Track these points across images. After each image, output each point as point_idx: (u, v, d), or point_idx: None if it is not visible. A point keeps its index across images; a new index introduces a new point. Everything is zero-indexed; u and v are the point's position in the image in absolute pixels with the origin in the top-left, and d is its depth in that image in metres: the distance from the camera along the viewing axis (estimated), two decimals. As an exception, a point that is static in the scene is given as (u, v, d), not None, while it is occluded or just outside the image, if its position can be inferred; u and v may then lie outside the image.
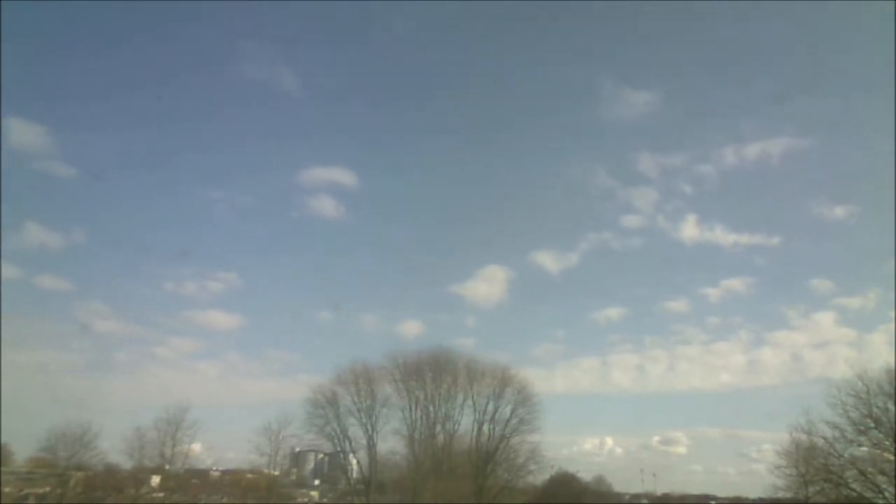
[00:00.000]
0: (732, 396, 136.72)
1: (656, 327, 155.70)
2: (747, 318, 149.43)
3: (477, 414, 66.92)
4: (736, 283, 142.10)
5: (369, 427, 63.57)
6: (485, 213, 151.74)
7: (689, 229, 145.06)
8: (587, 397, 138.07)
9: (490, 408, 66.87)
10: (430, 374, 66.85)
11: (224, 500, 71.55)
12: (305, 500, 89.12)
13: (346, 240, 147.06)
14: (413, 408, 65.64)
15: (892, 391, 43.57)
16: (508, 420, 66.67)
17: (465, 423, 67.11)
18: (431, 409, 66.16)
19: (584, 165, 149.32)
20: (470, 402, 67.08)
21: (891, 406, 43.33)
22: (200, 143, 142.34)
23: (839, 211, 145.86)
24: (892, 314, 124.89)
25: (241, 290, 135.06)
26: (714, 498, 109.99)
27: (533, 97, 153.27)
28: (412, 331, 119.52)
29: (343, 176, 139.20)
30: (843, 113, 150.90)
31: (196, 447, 60.90)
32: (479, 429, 66.87)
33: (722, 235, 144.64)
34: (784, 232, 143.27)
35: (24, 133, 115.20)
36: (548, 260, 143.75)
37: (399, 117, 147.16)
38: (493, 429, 66.76)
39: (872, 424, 43.85)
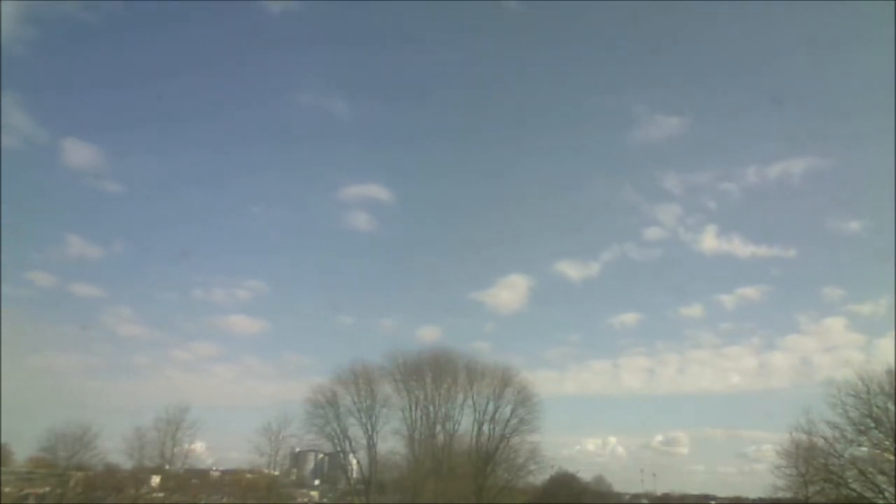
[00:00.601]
0: (741, 398, 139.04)
1: (669, 332, 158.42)
2: (760, 324, 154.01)
3: (477, 414, 67.00)
4: (750, 291, 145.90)
5: (369, 427, 63.65)
6: (511, 226, 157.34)
7: (709, 240, 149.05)
8: (596, 399, 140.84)
9: (490, 408, 66.95)
10: (430, 374, 66.89)
11: (224, 500, 71.52)
12: (305, 500, 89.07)
13: (376, 251, 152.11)
14: (413, 408, 65.73)
15: (893, 391, 43.56)
16: (508, 420, 66.71)
17: (465, 423, 67.22)
18: (431, 409, 66.22)
19: (611, 182, 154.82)
20: (470, 402, 67.15)
21: (891, 406, 43.32)
22: (247, 165, 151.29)
23: (854, 225, 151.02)
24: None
25: (267, 297, 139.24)
26: (714, 498, 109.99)
27: (570, 119, 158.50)
28: (430, 336, 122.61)
29: (378, 192, 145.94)
30: (863, 133, 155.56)
31: (199, 446, 61.32)
32: (479, 429, 66.95)
33: (740, 246, 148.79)
34: (800, 244, 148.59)
35: (80, 152, 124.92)
36: (570, 269, 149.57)
37: (434, 138, 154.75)
38: (493, 429, 66.83)
39: (873, 424, 43.84)
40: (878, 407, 43.77)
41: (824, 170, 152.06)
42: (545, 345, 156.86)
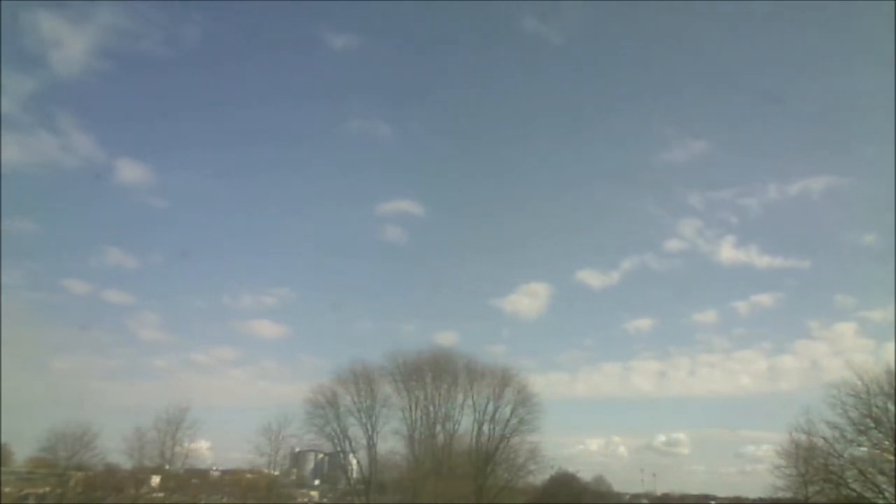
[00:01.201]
0: (750, 401, 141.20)
1: (682, 337, 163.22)
2: (772, 329, 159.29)
3: (477, 414, 67.00)
4: (764, 298, 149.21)
5: (369, 427, 63.65)
6: (536, 238, 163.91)
7: (727, 251, 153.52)
8: (605, 401, 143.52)
9: (490, 408, 66.94)
10: (430, 374, 66.89)
11: (224, 500, 71.52)
12: (305, 500, 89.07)
13: (405, 261, 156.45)
14: (413, 408, 65.70)
15: (892, 391, 43.54)
16: (508, 420, 66.71)
17: (465, 423, 67.22)
18: (431, 409, 66.21)
19: (637, 199, 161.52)
20: (470, 402, 67.15)
21: (891, 406, 43.31)
22: (293, 186, 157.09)
23: (868, 238, 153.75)
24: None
25: (292, 304, 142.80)
26: (714, 498, 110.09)
27: (601, 142, 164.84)
28: (447, 340, 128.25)
29: (412, 207, 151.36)
30: (882, 154, 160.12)
31: (203, 445, 61.45)
32: (479, 429, 66.96)
33: (757, 257, 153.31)
34: (815, 256, 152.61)
35: (132, 171, 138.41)
36: (591, 278, 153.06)
37: (467, 157, 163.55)
38: (493, 429, 66.83)
39: (872, 424, 43.83)
40: (877, 407, 43.77)
41: (842, 188, 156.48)
42: (559, 349, 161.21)
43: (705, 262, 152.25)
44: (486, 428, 66.74)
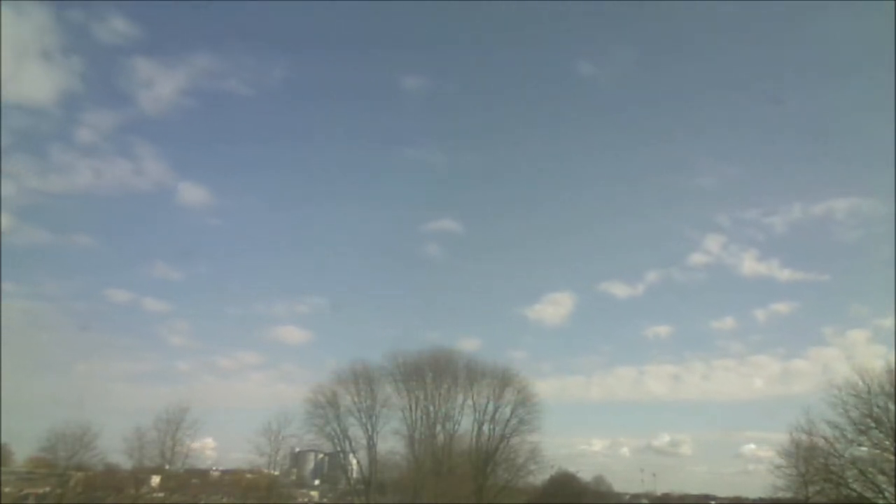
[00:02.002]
0: (762, 404, 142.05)
1: (699, 343, 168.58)
2: (787, 336, 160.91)
3: (477, 414, 67.00)
4: (782, 307, 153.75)
5: (369, 427, 63.64)
6: (568, 254, 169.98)
7: (749, 263, 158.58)
8: (618, 404, 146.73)
9: (490, 408, 66.96)
10: (430, 374, 66.86)
11: (224, 500, 71.50)
12: (305, 500, 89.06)
13: (440, 274, 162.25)
14: (413, 408, 65.67)
15: (893, 391, 43.50)
16: (508, 420, 66.73)
17: (465, 423, 67.24)
18: (431, 409, 66.19)
19: (668, 219, 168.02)
20: (470, 402, 67.15)
21: (891, 406, 43.25)
22: (345, 212, 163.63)
23: (886, 251, 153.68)
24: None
25: (322, 312, 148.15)
26: (714, 498, 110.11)
27: (639, 171, 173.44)
28: (470, 346, 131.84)
29: (451, 225, 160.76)
30: None
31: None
32: (479, 429, 66.98)
33: (777, 269, 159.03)
34: (834, 271, 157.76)
35: (193, 193, 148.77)
36: (617, 288, 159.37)
37: (505, 178, 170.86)
38: (493, 429, 66.85)
39: (873, 424, 43.77)
40: (878, 407, 43.72)
41: (866, 208, 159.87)
42: (578, 354, 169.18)
43: (728, 274, 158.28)
44: (486, 428, 66.87)
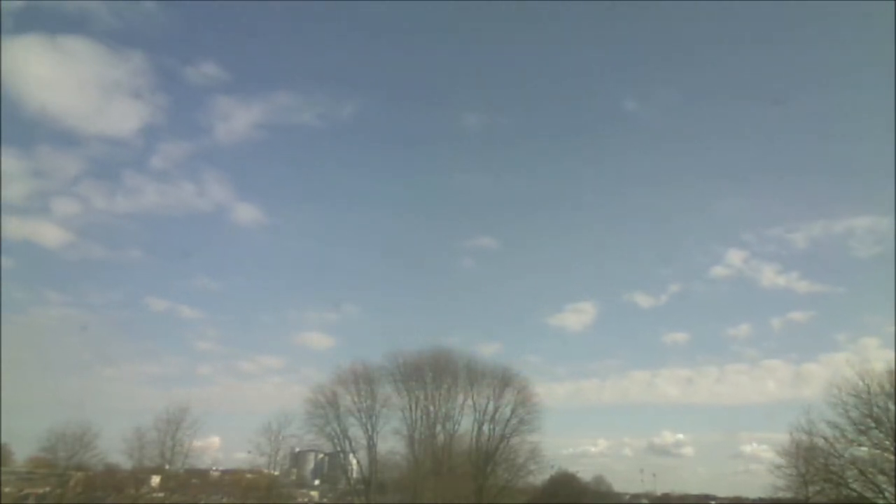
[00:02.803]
0: (772, 407, 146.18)
1: (715, 349, 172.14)
2: (801, 341, 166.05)
3: (477, 414, 67.00)
4: (798, 315, 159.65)
5: (369, 427, 63.61)
6: (595, 267, 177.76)
7: (769, 275, 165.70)
8: (629, 406, 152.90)
9: (490, 408, 66.95)
10: (431, 374, 66.82)
11: (224, 500, 71.49)
12: (305, 500, 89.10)
13: (472, 287, 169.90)
14: (413, 408, 65.64)
15: (893, 391, 43.50)
16: (508, 420, 66.74)
17: (465, 423, 67.22)
18: (431, 409, 66.17)
19: (694, 237, 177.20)
20: (470, 402, 67.13)
21: (891, 406, 43.25)
22: (392, 232, 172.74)
23: None
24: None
25: (351, 319, 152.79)
26: (714, 498, 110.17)
27: (670, 191, 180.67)
28: (490, 350, 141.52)
29: (489, 242, 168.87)
30: None
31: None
32: (479, 429, 66.97)
33: (795, 280, 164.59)
34: (851, 284, 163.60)
35: (246, 212, 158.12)
36: (638, 298, 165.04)
37: (541, 202, 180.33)
38: (493, 429, 66.85)
39: (873, 424, 43.76)
40: (878, 407, 43.71)
41: (882, 226, 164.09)
42: (594, 359, 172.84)
43: (747, 286, 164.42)
44: (486, 428, 66.88)
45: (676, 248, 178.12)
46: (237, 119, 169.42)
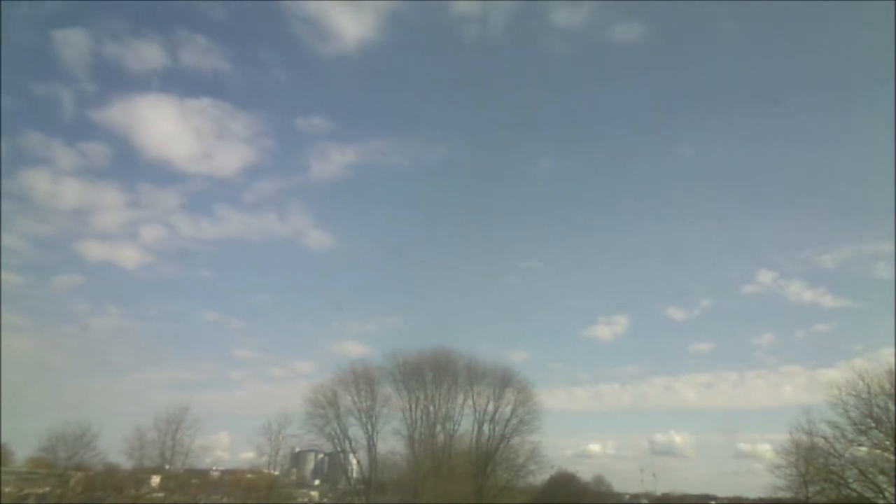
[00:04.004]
0: (785, 411, 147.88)
1: (737, 357, 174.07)
2: (821, 350, 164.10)
3: (477, 414, 67.08)
4: (822, 327, 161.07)
5: (369, 427, 63.68)
6: (633, 284, 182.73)
7: (796, 290, 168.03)
8: (647, 410, 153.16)
9: (490, 408, 67.03)
10: (431, 374, 66.91)
11: (224, 500, 71.53)
12: (305, 500, 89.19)
13: (514, 303, 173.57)
14: (413, 408, 65.72)
15: (893, 391, 43.46)
16: (508, 420, 66.80)
17: (465, 423, 67.31)
18: (431, 409, 66.21)
19: (732, 264, 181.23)
20: (470, 402, 67.22)
21: (891, 406, 43.16)
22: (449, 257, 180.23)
23: None
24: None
25: (392, 329, 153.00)
26: (714, 498, 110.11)
27: (716, 225, 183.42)
28: (517, 357, 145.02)
29: (537, 264, 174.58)
30: None
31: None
32: (479, 429, 67.05)
33: (821, 296, 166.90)
34: (874, 301, 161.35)
35: (318, 238, 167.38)
36: (672, 312, 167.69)
37: (599, 229, 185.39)
38: (493, 429, 66.92)
39: (873, 424, 43.67)
40: (878, 406, 43.61)
41: None
42: (616, 364, 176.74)
43: (775, 301, 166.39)
44: (486, 428, 66.95)
45: (711, 270, 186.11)
46: (332, 160, 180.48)
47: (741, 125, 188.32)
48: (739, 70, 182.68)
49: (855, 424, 44.59)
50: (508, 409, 66.82)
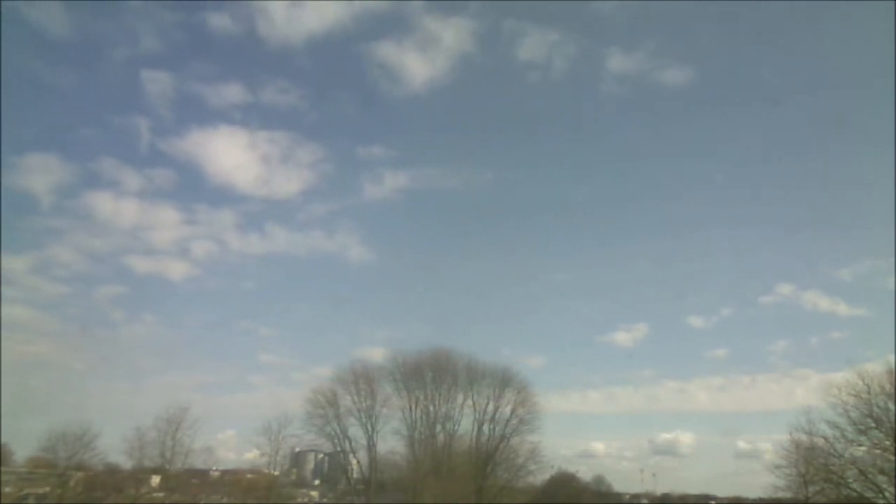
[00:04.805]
0: (795, 413, 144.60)
1: (751, 362, 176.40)
2: (834, 354, 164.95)
3: (477, 414, 67.13)
4: (837, 335, 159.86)
5: (369, 427, 63.72)
6: (655, 295, 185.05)
7: (812, 299, 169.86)
8: (659, 413, 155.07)
9: (490, 408, 67.12)
10: (430, 374, 66.93)
11: (224, 500, 71.49)
12: (305, 500, 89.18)
13: (543, 311, 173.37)
14: (413, 408, 65.76)
15: (893, 391, 43.47)
16: (508, 420, 66.90)
17: (465, 423, 67.36)
18: (431, 409, 66.25)
19: (753, 276, 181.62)
20: (470, 402, 67.27)
21: (891, 406, 43.19)
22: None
23: None
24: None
25: (418, 336, 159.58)
26: (714, 498, 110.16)
27: (734, 242, 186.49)
28: (534, 363, 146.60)
29: (563, 276, 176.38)
30: None
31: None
32: (479, 429, 67.11)
33: (836, 304, 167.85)
34: (886, 311, 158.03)
35: (360, 253, 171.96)
36: (692, 320, 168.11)
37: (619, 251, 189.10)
38: (493, 429, 67.02)
39: (873, 424, 43.70)
40: (878, 407, 43.62)
41: None
42: (630, 368, 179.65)
43: (793, 310, 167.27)
44: (486, 428, 67.03)
45: (732, 281, 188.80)
46: (385, 184, 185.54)
47: (771, 147, 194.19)
48: (767, 86, 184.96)
49: (855, 424, 44.63)
50: (508, 409, 67.03)
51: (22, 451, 68.96)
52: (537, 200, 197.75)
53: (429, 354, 68.29)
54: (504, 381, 67.55)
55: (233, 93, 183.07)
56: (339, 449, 66.20)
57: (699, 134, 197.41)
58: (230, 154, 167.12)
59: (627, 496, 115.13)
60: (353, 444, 63.99)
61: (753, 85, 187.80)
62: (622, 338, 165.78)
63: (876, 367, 45.71)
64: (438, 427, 66.33)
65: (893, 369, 44.22)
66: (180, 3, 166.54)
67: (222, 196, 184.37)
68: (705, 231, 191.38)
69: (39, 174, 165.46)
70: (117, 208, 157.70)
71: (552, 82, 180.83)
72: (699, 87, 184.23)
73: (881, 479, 43.46)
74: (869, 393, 44.16)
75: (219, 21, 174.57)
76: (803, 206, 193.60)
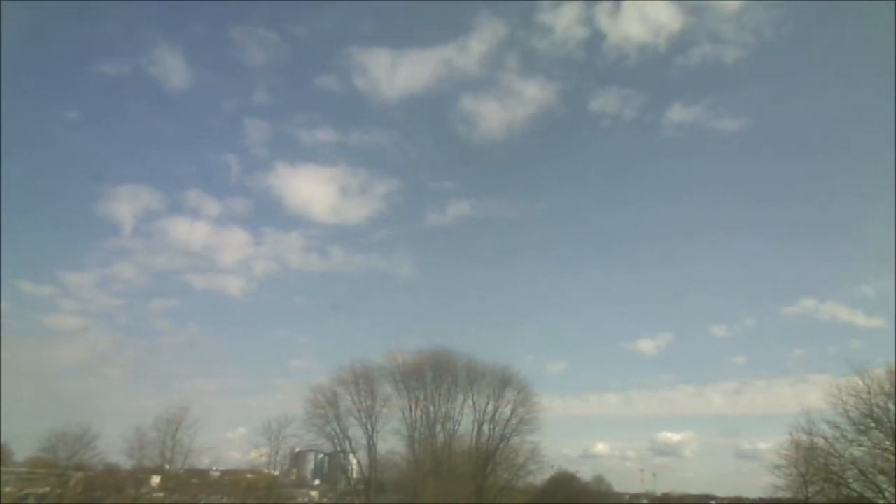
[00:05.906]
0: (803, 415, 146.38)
1: (769, 366, 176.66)
2: (850, 362, 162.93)
3: (477, 414, 67.09)
4: (856, 343, 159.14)
5: (369, 427, 63.72)
6: (681, 305, 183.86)
7: (833, 310, 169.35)
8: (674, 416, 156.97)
9: (490, 408, 67.08)
10: (431, 374, 66.93)
11: (224, 500, 71.53)
12: (305, 500, 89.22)
13: (570, 321, 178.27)
14: (413, 408, 65.75)
15: (893, 391, 43.44)
16: (508, 420, 66.85)
17: (465, 423, 67.33)
18: (431, 409, 66.24)
19: (774, 291, 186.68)
20: (470, 402, 67.24)
21: (891, 406, 43.10)
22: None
23: None
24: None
25: (448, 342, 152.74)
26: (714, 498, 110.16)
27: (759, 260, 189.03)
28: (556, 368, 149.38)
29: (598, 295, 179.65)
30: None
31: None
32: (479, 429, 67.08)
33: (855, 315, 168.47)
34: None
35: (407, 271, 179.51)
36: (716, 330, 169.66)
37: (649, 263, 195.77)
38: (493, 429, 66.97)
39: (873, 424, 43.62)
40: (878, 407, 43.53)
41: None
42: (649, 373, 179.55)
43: (813, 321, 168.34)
44: (486, 428, 66.99)
45: (758, 296, 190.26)
46: (448, 213, 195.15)
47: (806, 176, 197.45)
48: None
49: (855, 424, 44.53)
50: (508, 409, 66.97)
51: (22, 451, 68.98)
52: (579, 228, 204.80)
53: (428, 354, 68.43)
54: (504, 381, 67.59)
55: (325, 135, 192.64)
56: (339, 449, 66.28)
57: (744, 174, 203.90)
58: (310, 186, 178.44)
59: (627, 496, 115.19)
60: (353, 444, 64.14)
61: (798, 129, 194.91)
62: (646, 346, 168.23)
63: (881, 372, 45.64)
64: (438, 427, 66.42)
65: (893, 370, 44.24)
66: (293, 66, 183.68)
67: (294, 222, 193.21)
68: (737, 246, 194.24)
69: (127, 202, 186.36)
70: (191, 230, 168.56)
71: (619, 130, 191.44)
72: (749, 133, 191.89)
73: (881, 479, 43.40)
74: (869, 393, 44.07)
75: (325, 81, 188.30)
76: (830, 219, 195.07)
